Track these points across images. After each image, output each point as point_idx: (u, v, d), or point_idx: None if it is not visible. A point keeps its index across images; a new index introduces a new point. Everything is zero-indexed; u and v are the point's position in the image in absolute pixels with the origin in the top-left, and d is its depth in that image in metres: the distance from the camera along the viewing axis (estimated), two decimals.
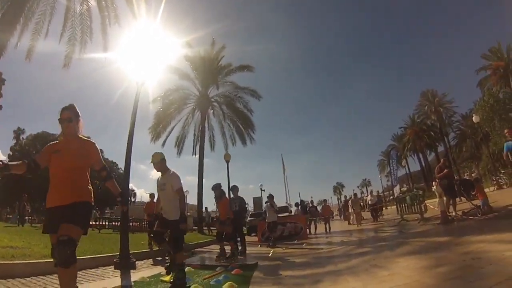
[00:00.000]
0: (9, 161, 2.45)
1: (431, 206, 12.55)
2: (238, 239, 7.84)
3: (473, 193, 8.26)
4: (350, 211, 16.38)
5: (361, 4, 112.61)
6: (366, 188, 31.73)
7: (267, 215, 10.26)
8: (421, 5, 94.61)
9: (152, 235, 4.88)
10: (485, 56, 32.69)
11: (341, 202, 73.41)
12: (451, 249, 4.27)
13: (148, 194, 11.41)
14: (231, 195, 8.15)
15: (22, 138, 43.74)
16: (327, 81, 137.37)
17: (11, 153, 40.99)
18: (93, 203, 2.70)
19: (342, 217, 26.08)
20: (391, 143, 49.97)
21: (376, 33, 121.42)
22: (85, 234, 2.58)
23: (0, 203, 38.23)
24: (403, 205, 12.19)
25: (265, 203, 10.51)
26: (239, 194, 8.19)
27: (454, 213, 8.41)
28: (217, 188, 7.32)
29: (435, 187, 11.91)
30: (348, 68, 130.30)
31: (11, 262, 4.44)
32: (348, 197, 21.25)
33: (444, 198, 8.45)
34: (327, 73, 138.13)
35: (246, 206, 9.08)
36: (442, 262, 3.49)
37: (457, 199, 8.88)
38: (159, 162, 4.30)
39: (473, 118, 21.28)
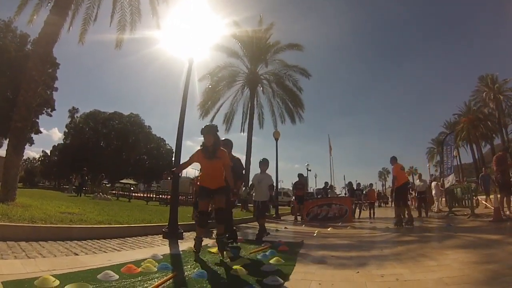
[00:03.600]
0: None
1: (483, 202, 11.93)
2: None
3: None
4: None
5: None
6: (413, 176, 30.23)
7: (254, 192, 6.67)
8: None
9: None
10: None
11: (385, 188, 70.92)
12: (503, 248, 4.18)
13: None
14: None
15: (76, 116, 47.12)
16: (378, 61, 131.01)
17: (66, 130, 45.01)
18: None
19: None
20: (443, 130, 46.98)
21: (433, 9, 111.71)
22: None
23: (57, 175, 42.61)
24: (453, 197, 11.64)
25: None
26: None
27: (508, 212, 8.02)
28: (212, 130, 3.94)
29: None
30: (400, 48, 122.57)
31: (69, 226, 4.84)
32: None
33: (499, 195, 8.06)
34: (379, 53, 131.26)
35: (242, 172, 5.86)
36: (492, 259, 3.44)
37: None
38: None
39: None
